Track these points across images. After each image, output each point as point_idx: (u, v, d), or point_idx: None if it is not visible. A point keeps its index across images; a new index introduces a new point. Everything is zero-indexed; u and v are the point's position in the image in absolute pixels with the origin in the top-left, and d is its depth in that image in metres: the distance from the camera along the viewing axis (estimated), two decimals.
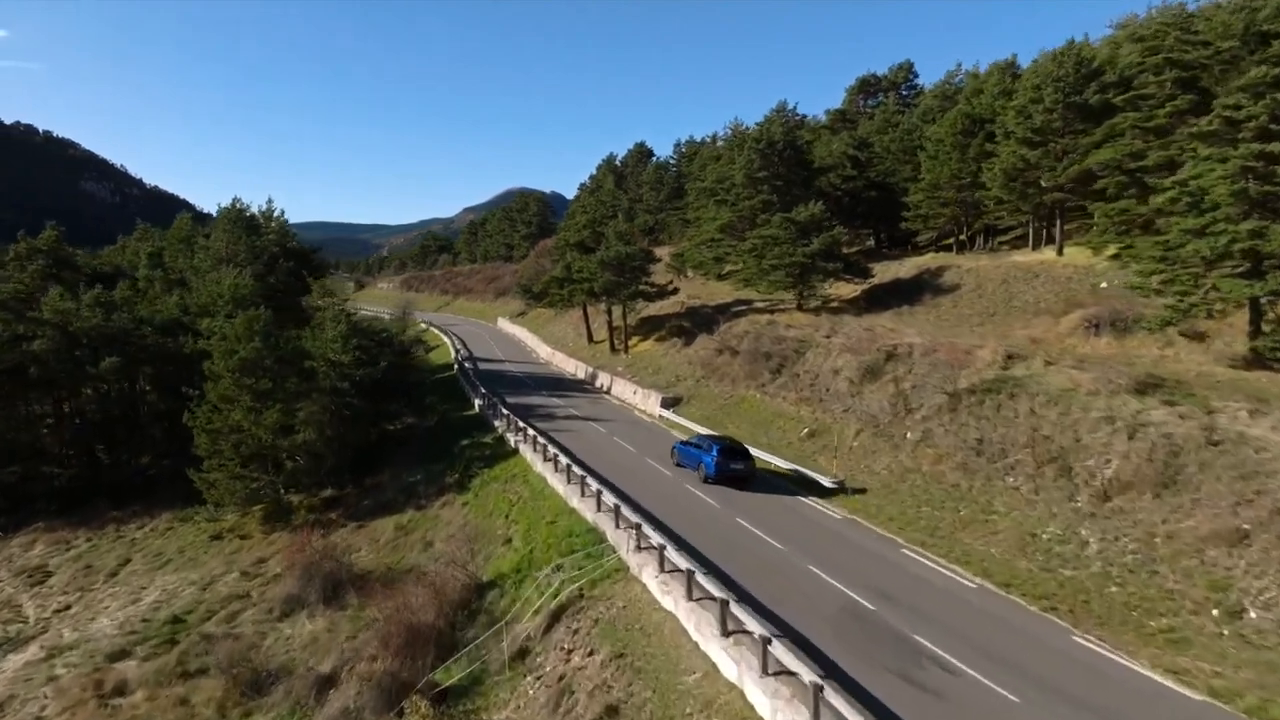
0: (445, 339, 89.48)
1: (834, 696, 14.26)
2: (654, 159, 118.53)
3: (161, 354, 50.37)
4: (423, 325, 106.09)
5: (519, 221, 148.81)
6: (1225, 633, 18.18)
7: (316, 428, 40.91)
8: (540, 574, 24.89)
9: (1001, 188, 50.45)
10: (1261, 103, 29.81)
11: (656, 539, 22.58)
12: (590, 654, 20.19)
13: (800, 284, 54.82)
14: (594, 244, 66.34)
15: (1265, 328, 30.90)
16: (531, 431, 38.40)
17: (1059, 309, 41.45)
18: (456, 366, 68.53)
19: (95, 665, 26.96)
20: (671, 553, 21.58)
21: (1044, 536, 23.75)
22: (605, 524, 26.36)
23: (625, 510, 25.41)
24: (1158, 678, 16.75)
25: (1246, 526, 20.43)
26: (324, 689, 23.39)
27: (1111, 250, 43.33)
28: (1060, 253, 49.06)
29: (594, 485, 28.74)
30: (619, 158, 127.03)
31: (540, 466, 35.36)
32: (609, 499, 26.97)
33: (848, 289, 57.83)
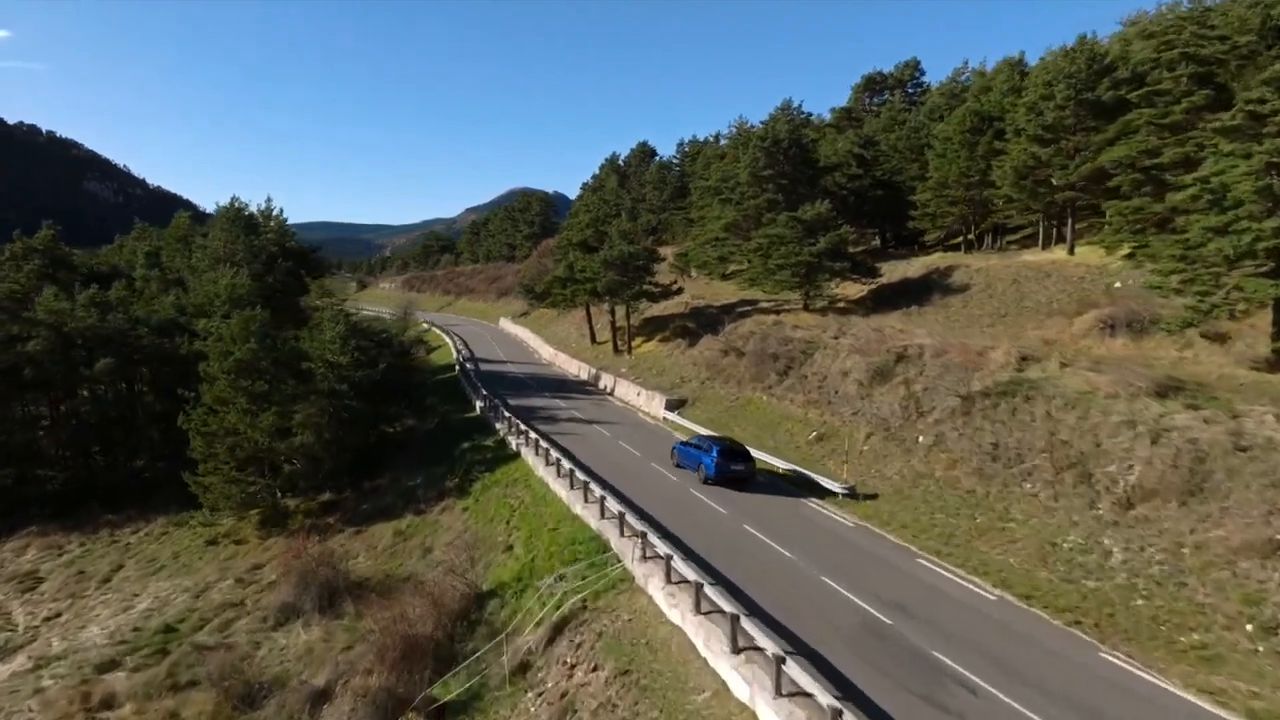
0: (447, 339, 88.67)
1: None
2: (657, 158, 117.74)
3: (158, 355, 49.63)
4: (424, 325, 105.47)
5: (521, 221, 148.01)
6: (1260, 649, 17.28)
7: (314, 430, 40.14)
8: (542, 584, 24.04)
9: (1012, 186, 49.57)
10: None
11: (663, 548, 21.73)
12: (594, 669, 19.34)
13: (806, 284, 53.96)
14: (597, 243, 65.49)
15: None
16: (533, 435, 37.57)
17: (1072, 309, 40.55)
18: (458, 367, 67.71)
19: (83, 677, 26.14)
20: (679, 563, 20.73)
21: (1065, 546, 22.86)
22: (609, 532, 25.51)
23: (630, 518, 24.59)
24: (1191, 698, 15.89)
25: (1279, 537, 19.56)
26: (318, 703, 22.57)
27: (1125, 249, 42.43)
28: (1071, 252, 48.18)
29: (597, 491, 27.87)
30: (622, 157, 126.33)
31: (542, 471, 34.52)
32: (613, 505, 26.13)
33: (854, 289, 56.96)
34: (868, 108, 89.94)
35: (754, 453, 34.17)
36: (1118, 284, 41.42)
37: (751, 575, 21.91)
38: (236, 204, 59.82)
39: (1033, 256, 50.63)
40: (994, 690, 15.95)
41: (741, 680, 16.40)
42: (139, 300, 56.16)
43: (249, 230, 57.89)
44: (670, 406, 45.75)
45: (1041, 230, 54.06)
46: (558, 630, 21.56)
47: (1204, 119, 38.71)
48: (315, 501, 41.23)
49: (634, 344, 63.80)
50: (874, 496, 29.33)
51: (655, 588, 21.12)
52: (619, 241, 61.03)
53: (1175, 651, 17.63)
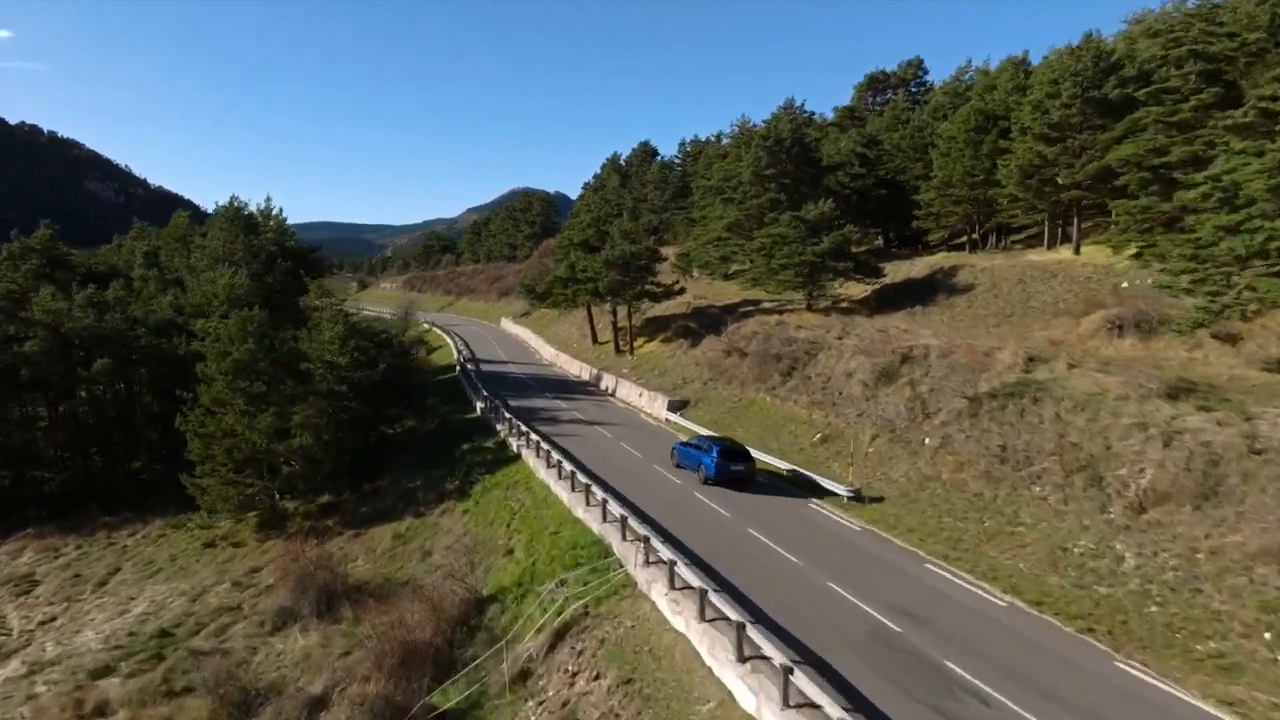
0: (447, 339, 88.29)
1: None
2: (659, 158, 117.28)
3: (156, 355, 49.25)
4: (425, 325, 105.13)
5: (523, 221, 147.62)
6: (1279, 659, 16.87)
7: (313, 432, 39.71)
8: (543, 589, 23.63)
9: (1017, 185, 49.08)
10: None
11: (666, 553, 21.30)
12: (596, 678, 18.91)
13: (810, 284, 53.50)
14: (599, 243, 65.08)
15: None
16: (534, 436, 37.15)
17: (1079, 309, 40.06)
18: (459, 368, 67.30)
19: (77, 683, 25.73)
20: (682, 568, 20.31)
21: (1076, 550, 22.42)
22: (611, 535, 25.07)
23: (633, 522, 24.19)
24: (1210, 709, 15.46)
25: None
26: (315, 711, 22.12)
27: (1133, 249, 41.95)
28: (1077, 252, 47.71)
29: (599, 494, 27.43)
30: (623, 157, 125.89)
31: (543, 473, 34.10)
32: (615, 509, 25.70)
33: (858, 289, 56.51)
34: (871, 107, 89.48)
35: (758, 455, 33.90)
36: (1125, 284, 40.96)
37: (756, 580, 21.50)
38: (235, 203, 59.41)
39: (1038, 256, 50.17)
40: (1007, 701, 15.54)
41: (748, 690, 15.97)
42: (137, 300, 55.77)
43: (248, 230, 57.47)
44: (673, 408, 45.32)
45: (1046, 230, 53.57)
46: (559, 637, 21.14)
47: (1212, 117, 38.26)
48: (314, 503, 40.82)
49: (636, 344, 63.39)
50: (880, 499, 28.89)
51: (658, 594, 20.70)
52: (621, 241, 60.61)
53: (1192, 660, 17.20)
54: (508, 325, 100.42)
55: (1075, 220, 48.68)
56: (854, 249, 59.02)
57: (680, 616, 19.30)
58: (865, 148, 70.11)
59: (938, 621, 19.13)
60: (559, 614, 21.63)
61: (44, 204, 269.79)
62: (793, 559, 23.24)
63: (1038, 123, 47.53)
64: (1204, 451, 22.75)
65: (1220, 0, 45.30)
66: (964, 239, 62.77)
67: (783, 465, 33.16)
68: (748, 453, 32.04)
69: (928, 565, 23.12)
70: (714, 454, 31.17)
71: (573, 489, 30.02)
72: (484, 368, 67.31)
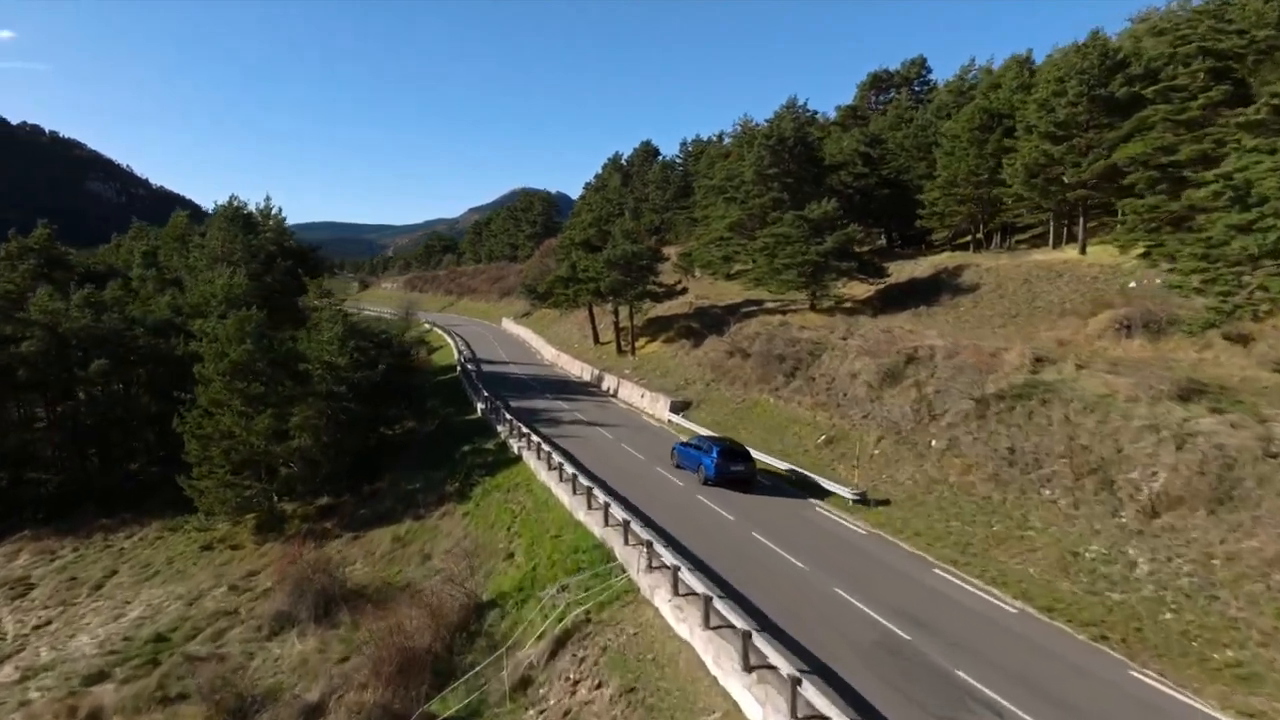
0: (448, 340, 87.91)
1: None
2: (660, 158, 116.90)
3: (153, 356, 48.86)
4: (426, 326, 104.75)
5: (524, 221, 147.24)
6: None
7: (312, 433, 39.29)
8: (544, 594, 23.20)
9: (1023, 184, 48.59)
10: None
11: (669, 558, 20.88)
12: (598, 686, 18.49)
13: (813, 284, 53.07)
14: (600, 243, 64.66)
15: None
16: (536, 438, 36.72)
17: (1086, 310, 39.60)
18: (459, 368, 66.90)
19: (70, 689, 25.36)
20: (686, 574, 19.86)
21: (1087, 555, 21.97)
22: (614, 540, 24.64)
23: (635, 526, 23.74)
24: None
25: None
26: (311, 719, 21.73)
27: (1140, 249, 41.43)
28: (1083, 251, 47.22)
29: (601, 497, 27.01)
30: (625, 156, 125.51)
31: (544, 475, 33.68)
32: (618, 513, 25.25)
33: (861, 289, 56.07)
34: (874, 106, 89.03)
35: (762, 456, 33.62)
36: (1132, 284, 40.50)
37: (761, 586, 21.07)
38: (234, 203, 59.01)
39: (1043, 256, 49.69)
40: (1020, 712, 15.12)
41: (754, 701, 15.55)
42: (135, 301, 55.39)
43: (247, 229, 57.09)
44: (675, 409, 44.88)
45: (1052, 229, 53.10)
46: (560, 644, 20.70)
47: (1221, 115, 37.84)
48: (313, 506, 40.40)
49: (638, 345, 62.96)
50: (886, 502, 28.45)
51: (662, 600, 20.26)
52: (622, 240, 60.19)
53: (1209, 670, 16.75)
54: (509, 325, 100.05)
55: (1081, 219, 48.19)
56: (857, 249, 58.59)
57: (684, 624, 18.87)
58: (868, 147, 69.67)
59: (947, 628, 18.70)
60: (560, 620, 21.21)
61: (45, 204, 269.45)
62: (798, 563, 22.81)
63: (1044, 121, 47.05)
64: (1218, 455, 22.29)
65: None
66: (968, 239, 62.36)
67: (786, 467, 32.78)
68: (748, 453, 31.94)
69: (935, 570, 22.68)
70: (714, 454, 31.06)
71: (574, 492, 29.61)
72: (485, 368, 66.91)
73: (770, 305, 57.12)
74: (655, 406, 47.17)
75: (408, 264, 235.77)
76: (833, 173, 66.50)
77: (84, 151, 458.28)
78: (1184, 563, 20.23)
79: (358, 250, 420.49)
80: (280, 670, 25.59)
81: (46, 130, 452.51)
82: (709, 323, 56.86)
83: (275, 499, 39.51)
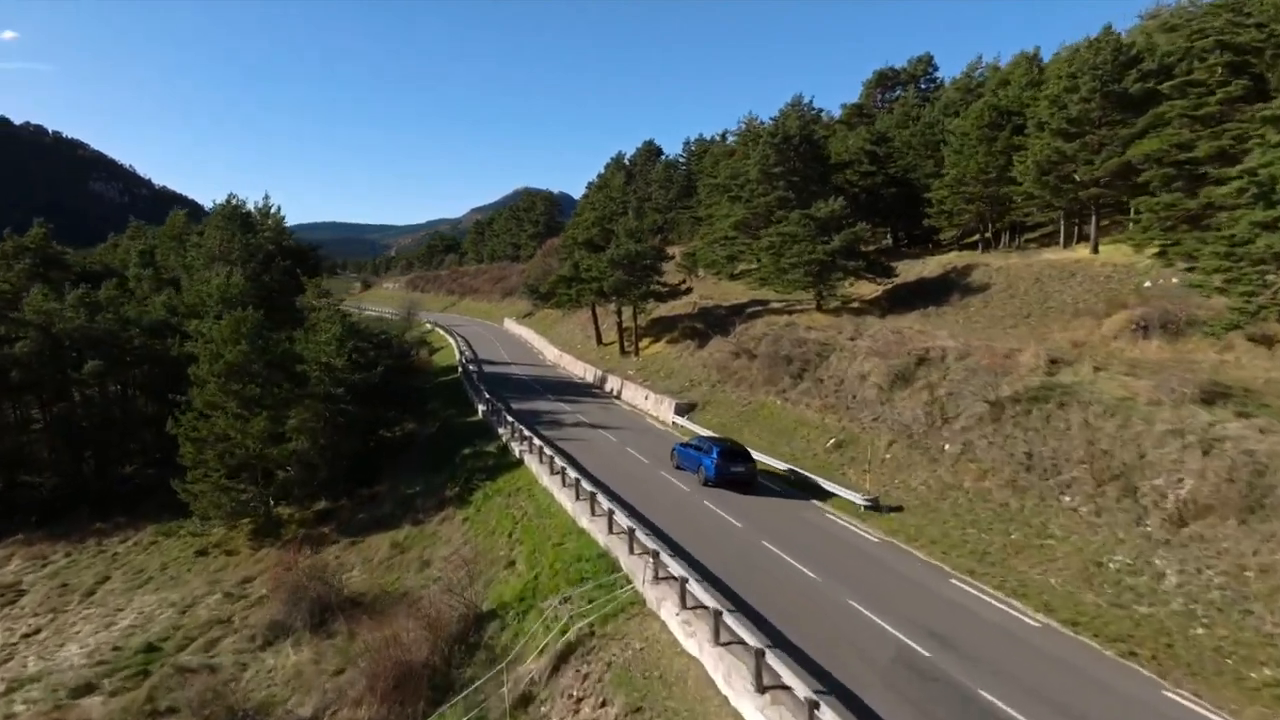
0: (450, 340, 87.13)
1: None
2: (663, 157, 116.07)
3: (149, 357, 48.10)
4: (428, 326, 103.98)
5: (526, 221, 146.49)
6: None
7: (309, 436, 38.51)
8: (546, 605, 22.31)
9: (1034, 182, 47.67)
10: None
11: (677, 569, 20.01)
12: (603, 705, 17.62)
13: (819, 283, 52.20)
14: (603, 242, 63.82)
15: None
16: (538, 441, 35.86)
17: (1101, 310, 38.68)
18: (461, 369, 66.07)
19: (57, 701, 24.53)
20: (694, 586, 19.00)
21: (1111, 566, 21.10)
22: (618, 548, 23.77)
23: (640, 534, 22.85)
24: None
25: None
26: None
27: (1155, 247, 40.52)
28: (1095, 250, 46.26)
29: (605, 504, 26.15)
30: (628, 156, 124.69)
31: (547, 480, 32.84)
32: (622, 520, 24.39)
33: (869, 288, 55.19)
34: (879, 104, 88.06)
35: (769, 460, 32.93)
36: (1147, 283, 39.61)
37: (772, 597, 20.21)
38: (233, 201, 58.20)
39: (1054, 255, 48.76)
40: None
41: None
42: (131, 301, 54.61)
43: (245, 228, 56.30)
44: (680, 411, 44.01)
45: (1062, 228, 52.15)
46: (563, 659, 19.80)
47: (1239, 110, 36.94)
48: (310, 510, 39.60)
49: (641, 345, 62.12)
50: (899, 509, 27.60)
51: (669, 613, 19.39)
52: (626, 240, 59.34)
53: (1246, 690, 15.88)
54: (511, 325, 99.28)
55: (1093, 218, 47.28)
56: (863, 248, 57.70)
57: (693, 639, 18.00)
58: (874, 145, 68.67)
59: (967, 644, 17.84)
60: (563, 634, 20.34)
61: (48, 204, 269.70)
62: (810, 574, 21.95)
63: (1055, 118, 46.15)
64: (1247, 461, 21.40)
65: None
66: (975, 238, 61.41)
67: (789, 469, 32.20)
68: (748, 454, 31.66)
69: (953, 580, 21.84)
70: (714, 455, 30.78)
71: (577, 497, 28.76)
72: (486, 369, 66.07)
73: (776, 305, 56.26)
74: (660, 409, 46.32)
75: (410, 264, 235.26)
76: (838, 171, 65.54)
77: (87, 152, 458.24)
78: (1215, 575, 19.35)
79: (360, 250, 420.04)
80: (274, 682, 24.79)
81: (50, 130, 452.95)
82: (713, 323, 56.01)
83: (271, 503, 38.71)
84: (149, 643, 28.29)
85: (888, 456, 31.47)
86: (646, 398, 48.86)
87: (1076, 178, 45.89)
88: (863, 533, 25.88)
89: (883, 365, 36.09)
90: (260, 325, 39.82)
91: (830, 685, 15.58)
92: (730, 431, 38.23)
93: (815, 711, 13.60)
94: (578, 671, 19.09)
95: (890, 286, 54.26)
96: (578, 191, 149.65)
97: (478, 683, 20.47)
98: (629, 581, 21.83)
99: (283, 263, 57.07)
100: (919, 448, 30.74)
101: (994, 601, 20.32)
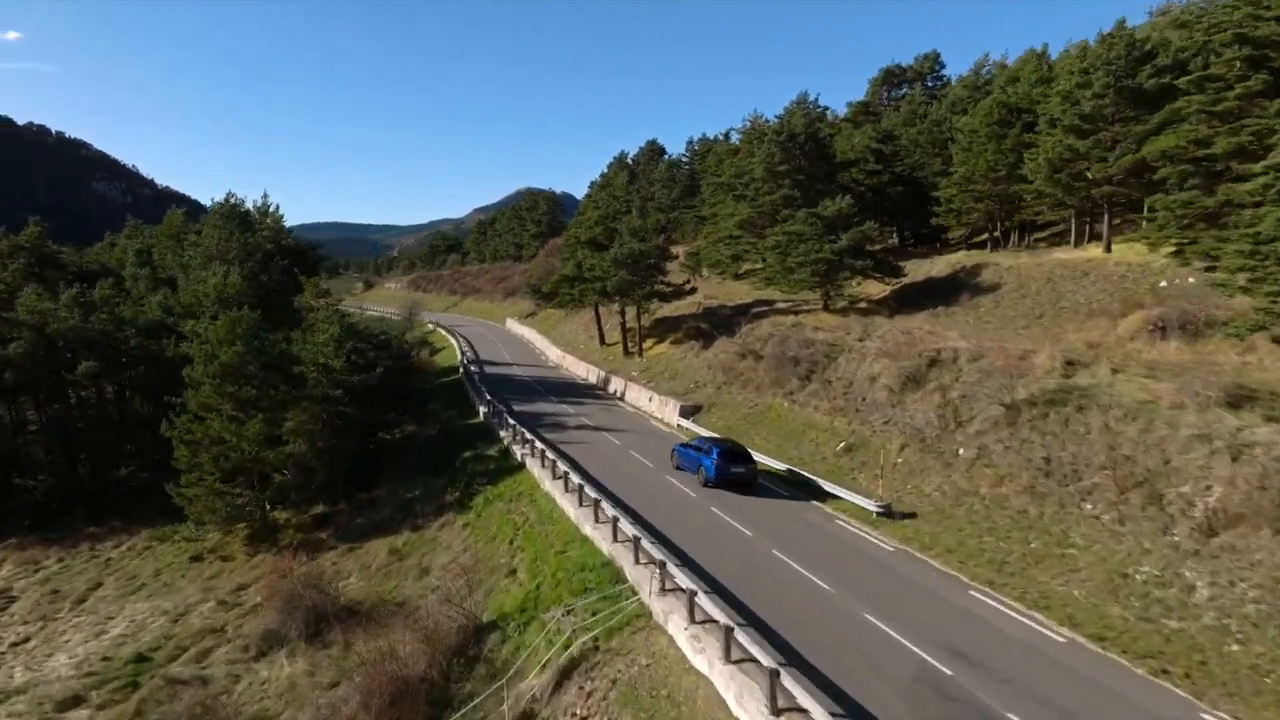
0: (451, 340, 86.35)
1: None
2: (666, 156, 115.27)
3: (145, 357, 47.30)
4: (429, 326, 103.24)
5: (529, 220, 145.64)
6: None
7: (306, 438, 37.65)
8: (549, 616, 21.48)
9: (1045, 180, 46.73)
10: None
11: (685, 581, 19.18)
12: None
13: (826, 283, 51.29)
14: (606, 241, 62.95)
15: None
16: (539, 445, 35.03)
17: (1116, 310, 37.73)
18: (462, 370, 65.23)
19: (43, 715, 23.76)
20: (703, 599, 18.17)
21: (1138, 577, 20.21)
22: (623, 557, 22.90)
23: (646, 543, 22.00)
24: None
25: None
26: None
27: (1171, 246, 39.59)
28: (1108, 249, 45.33)
29: (609, 510, 25.31)
30: (630, 156, 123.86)
31: (549, 485, 31.99)
32: (627, 528, 23.56)
33: (876, 288, 54.28)
34: (886, 102, 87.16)
35: (778, 465, 32.18)
36: (1163, 283, 38.67)
37: (784, 610, 19.35)
38: (231, 200, 57.37)
39: (1066, 254, 47.81)
40: None
41: None
42: (127, 301, 53.80)
43: (244, 227, 55.47)
44: (685, 413, 43.14)
45: (1073, 227, 51.20)
46: (565, 674, 18.93)
47: (1259, 105, 35.99)
48: (307, 515, 38.78)
49: (645, 346, 61.25)
50: (912, 515, 26.72)
51: (676, 627, 18.52)
52: (629, 239, 58.47)
53: None
54: (513, 326, 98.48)
55: (1106, 216, 46.35)
56: (870, 247, 56.81)
57: (702, 655, 17.13)
58: (881, 143, 67.81)
59: (991, 661, 16.97)
60: (566, 648, 19.48)
61: (51, 204, 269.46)
62: (823, 585, 21.07)
63: (1068, 114, 45.20)
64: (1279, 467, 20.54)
65: None
66: (984, 237, 60.54)
67: (787, 469, 31.72)
68: (749, 455, 31.33)
69: (971, 591, 20.95)
70: (714, 455, 30.48)
71: (580, 503, 27.90)
72: (488, 370, 65.24)
73: (781, 305, 55.39)
74: (664, 410, 45.45)
75: (412, 264, 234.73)
76: (844, 170, 64.66)
77: (89, 151, 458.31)
78: (1249, 587, 18.47)
79: (363, 250, 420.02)
80: (267, 695, 23.98)
81: (53, 130, 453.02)
82: (718, 323, 55.16)
83: (268, 507, 37.89)
84: (140, 653, 27.50)
85: (900, 461, 30.59)
86: (650, 399, 48.01)
87: (1089, 175, 44.98)
88: (876, 540, 25.01)
89: (893, 367, 35.22)
90: (257, 325, 38.99)
91: (849, 708, 14.76)
92: (737, 434, 37.35)
93: None
94: (581, 688, 18.23)
95: (898, 286, 53.38)
96: (580, 191, 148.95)
97: (477, 699, 19.62)
98: (634, 593, 20.94)
99: (281, 262, 56.26)
100: (932, 452, 29.86)
101: (1015, 615, 19.44)
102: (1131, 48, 43.99)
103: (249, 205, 58.83)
